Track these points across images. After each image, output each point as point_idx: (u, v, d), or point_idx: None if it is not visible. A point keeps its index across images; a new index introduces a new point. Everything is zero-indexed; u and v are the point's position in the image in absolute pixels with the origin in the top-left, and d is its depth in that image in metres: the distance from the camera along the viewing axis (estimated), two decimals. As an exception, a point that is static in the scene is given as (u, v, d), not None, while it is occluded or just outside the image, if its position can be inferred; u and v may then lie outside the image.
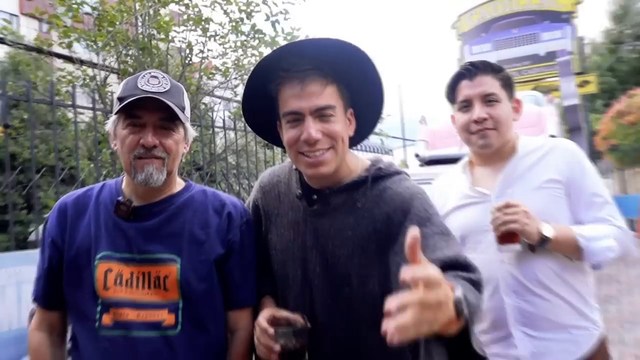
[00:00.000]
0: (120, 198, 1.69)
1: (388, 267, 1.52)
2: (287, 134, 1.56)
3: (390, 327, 0.99)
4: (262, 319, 1.52)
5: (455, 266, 1.39)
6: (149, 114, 1.62)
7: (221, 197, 1.81)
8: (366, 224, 1.58)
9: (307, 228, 1.64)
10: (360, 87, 1.64)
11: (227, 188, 6.42)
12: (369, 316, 1.51)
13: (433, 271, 1.04)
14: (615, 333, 5.67)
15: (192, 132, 1.79)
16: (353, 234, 1.58)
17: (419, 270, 1.02)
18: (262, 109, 1.67)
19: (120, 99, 1.62)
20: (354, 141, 1.73)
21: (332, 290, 1.58)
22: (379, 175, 1.62)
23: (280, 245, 1.68)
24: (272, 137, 1.76)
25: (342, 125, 1.57)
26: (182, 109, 1.66)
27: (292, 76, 1.51)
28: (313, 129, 1.49)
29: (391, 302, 1.01)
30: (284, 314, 1.56)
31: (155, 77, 1.65)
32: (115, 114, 1.65)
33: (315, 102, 1.49)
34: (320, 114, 1.51)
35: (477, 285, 1.37)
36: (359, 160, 1.69)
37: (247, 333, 1.73)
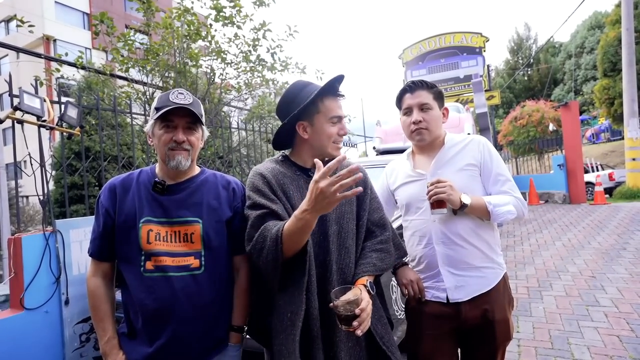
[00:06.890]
0: (157, 179, 1.67)
1: (360, 209, 1.74)
2: (330, 129, 1.70)
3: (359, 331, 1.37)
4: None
5: (378, 225, 1.75)
6: (179, 118, 1.62)
7: (227, 178, 1.80)
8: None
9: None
10: None
11: (240, 171, 6.38)
12: (353, 242, 1.68)
13: (362, 304, 1.41)
14: (512, 272, 5.74)
15: (207, 133, 1.77)
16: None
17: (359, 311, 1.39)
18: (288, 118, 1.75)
19: (157, 109, 1.61)
20: None
21: (328, 227, 1.62)
22: None
23: (291, 202, 1.64)
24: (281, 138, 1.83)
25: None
26: (201, 116, 1.66)
27: (336, 95, 1.72)
28: (345, 128, 1.74)
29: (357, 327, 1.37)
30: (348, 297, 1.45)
31: (182, 93, 1.64)
32: (154, 119, 1.63)
33: (343, 113, 1.75)
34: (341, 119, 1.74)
35: (384, 241, 1.72)
36: None
37: (247, 271, 1.75)
